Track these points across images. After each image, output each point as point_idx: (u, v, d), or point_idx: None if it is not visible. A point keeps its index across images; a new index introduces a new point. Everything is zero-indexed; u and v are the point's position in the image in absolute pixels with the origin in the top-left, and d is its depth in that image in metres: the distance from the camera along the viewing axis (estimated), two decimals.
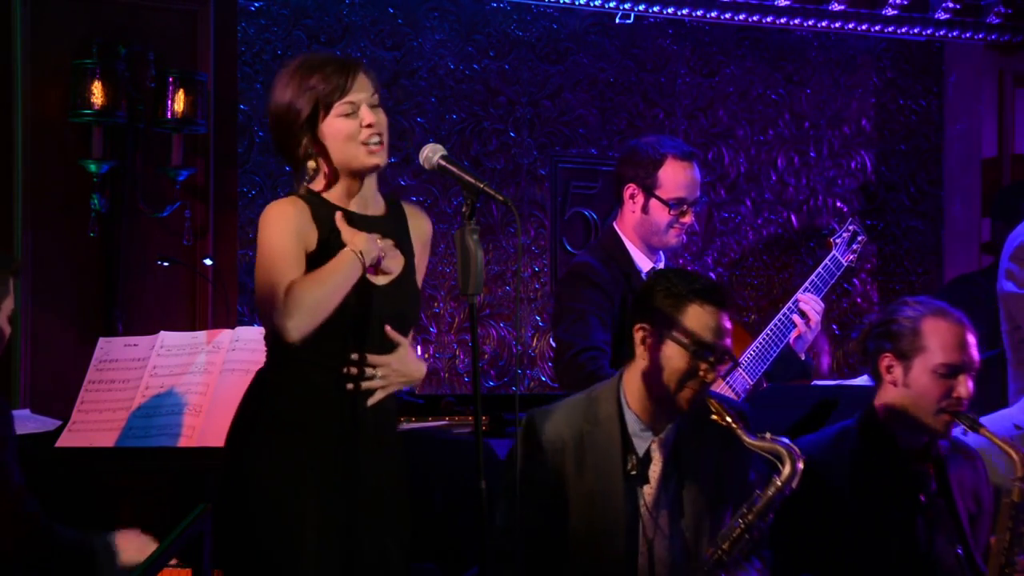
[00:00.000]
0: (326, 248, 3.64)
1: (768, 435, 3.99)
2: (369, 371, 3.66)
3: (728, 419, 3.99)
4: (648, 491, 4.06)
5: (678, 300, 4.00)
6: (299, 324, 3.53)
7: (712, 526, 4.05)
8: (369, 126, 3.67)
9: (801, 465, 3.95)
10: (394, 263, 3.75)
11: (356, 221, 3.70)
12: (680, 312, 3.99)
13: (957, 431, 4.38)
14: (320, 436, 3.65)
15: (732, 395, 5.08)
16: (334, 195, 3.72)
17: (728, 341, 4.04)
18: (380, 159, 3.70)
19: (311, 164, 3.69)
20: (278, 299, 3.54)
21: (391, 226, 3.78)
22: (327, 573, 3.63)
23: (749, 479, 4.13)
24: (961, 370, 4.29)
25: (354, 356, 3.65)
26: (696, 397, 4.00)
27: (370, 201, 3.76)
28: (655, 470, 4.07)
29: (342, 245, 3.62)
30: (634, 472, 4.04)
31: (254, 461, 3.65)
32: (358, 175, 3.71)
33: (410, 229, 3.83)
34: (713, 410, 4.01)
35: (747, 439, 3.98)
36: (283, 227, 3.63)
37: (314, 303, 3.53)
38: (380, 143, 3.69)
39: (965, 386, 4.29)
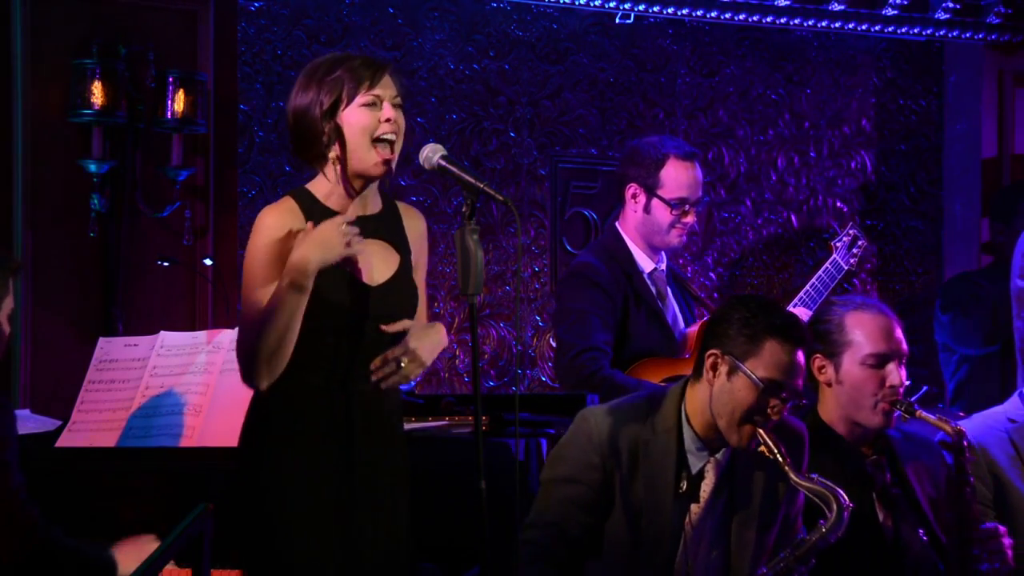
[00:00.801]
0: None
1: (816, 476, 3.93)
2: (390, 366, 3.62)
3: (775, 453, 3.89)
4: (695, 509, 4.01)
5: (755, 333, 3.91)
6: (263, 380, 3.59)
7: (755, 552, 4.00)
8: (388, 120, 3.65)
9: (848, 514, 3.87)
10: (387, 263, 3.74)
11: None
12: (756, 346, 3.90)
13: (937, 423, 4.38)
14: (324, 438, 3.65)
15: None
16: (333, 193, 3.70)
17: (800, 381, 3.94)
18: (387, 169, 3.67)
19: (332, 155, 3.66)
20: (240, 349, 3.60)
21: (386, 224, 3.77)
22: (333, 572, 3.63)
23: (797, 508, 4.09)
24: (889, 358, 4.30)
25: (367, 371, 3.63)
26: (756, 435, 3.90)
27: (369, 200, 3.75)
28: (706, 490, 4.02)
29: None
30: (684, 489, 4.00)
31: (263, 465, 3.65)
32: (361, 176, 3.69)
33: (406, 229, 3.81)
34: (761, 441, 3.91)
35: (794, 477, 3.90)
36: (263, 242, 3.62)
37: (267, 357, 3.55)
38: (394, 139, 3.66)
39: (896, 374, 4.29)
